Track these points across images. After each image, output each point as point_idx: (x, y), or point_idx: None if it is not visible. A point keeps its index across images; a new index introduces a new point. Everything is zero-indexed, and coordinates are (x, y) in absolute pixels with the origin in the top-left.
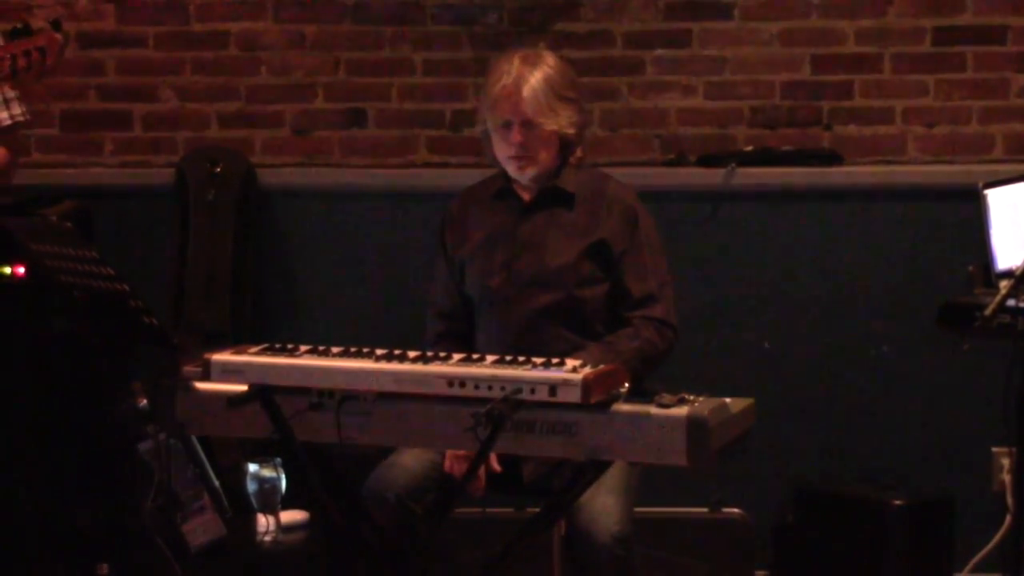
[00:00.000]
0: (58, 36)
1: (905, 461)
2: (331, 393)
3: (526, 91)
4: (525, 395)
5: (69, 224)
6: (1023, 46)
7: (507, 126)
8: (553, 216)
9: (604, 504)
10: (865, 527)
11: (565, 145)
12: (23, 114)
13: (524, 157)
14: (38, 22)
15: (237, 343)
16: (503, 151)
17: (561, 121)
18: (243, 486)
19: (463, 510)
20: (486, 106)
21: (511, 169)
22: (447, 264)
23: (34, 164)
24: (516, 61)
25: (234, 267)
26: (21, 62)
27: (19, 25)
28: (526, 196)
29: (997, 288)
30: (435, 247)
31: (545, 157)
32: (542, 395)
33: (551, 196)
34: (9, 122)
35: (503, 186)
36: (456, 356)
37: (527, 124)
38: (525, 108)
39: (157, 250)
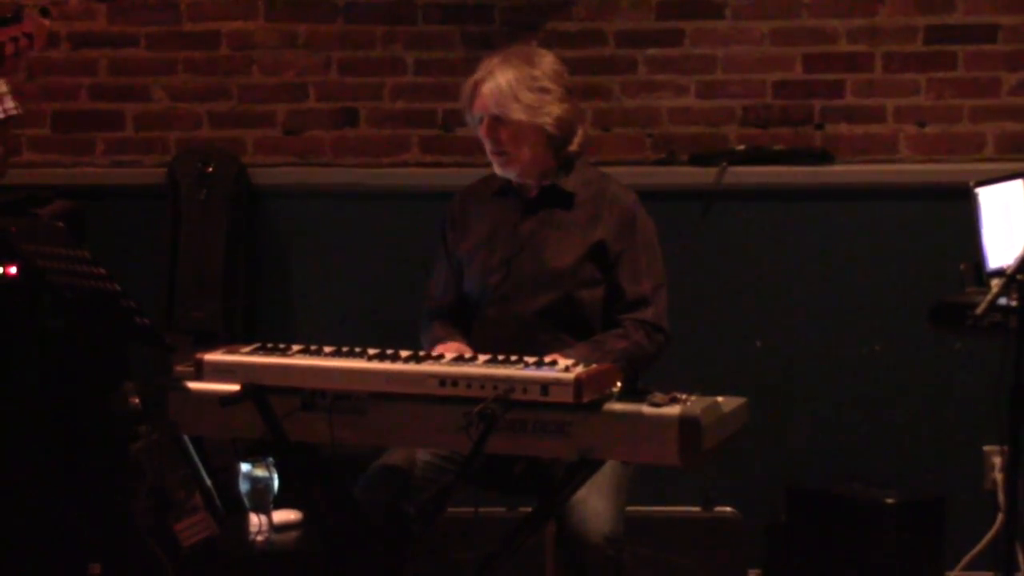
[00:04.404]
0: (45, 22)
1: (897, 459)
2: (323, 393)
3: (489, 84)
4: (517, 394)
5: (61, 224)
6: (1014, 45)
7: (481, 122)
8: (553, 215)
9: (595, 504)
10: (857, 525)
11: (553, 141)
12: (15, 108)
13: (502, 153)
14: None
15: (229, 343)
16: (486, 148)
17: (533, 112)
18: (235, 486)
19: (455, 510)
20: (465, 107)
21: (495, 167)
22: (447, 261)
23: (26, 164)
24: (495, 59)
25: (226, 267)
26: (9, 48)
27: (8, 14)
28: (527, 194)
29: (988, 287)
30: (436, 244)
31: (528, 154)
32: (534, 394)
33: (552, 195)
34: (2, 116)
35: (505, 184)
36: (448, 356)
37: (495, 118)
38: (487, 102)
39: (149, 250)
